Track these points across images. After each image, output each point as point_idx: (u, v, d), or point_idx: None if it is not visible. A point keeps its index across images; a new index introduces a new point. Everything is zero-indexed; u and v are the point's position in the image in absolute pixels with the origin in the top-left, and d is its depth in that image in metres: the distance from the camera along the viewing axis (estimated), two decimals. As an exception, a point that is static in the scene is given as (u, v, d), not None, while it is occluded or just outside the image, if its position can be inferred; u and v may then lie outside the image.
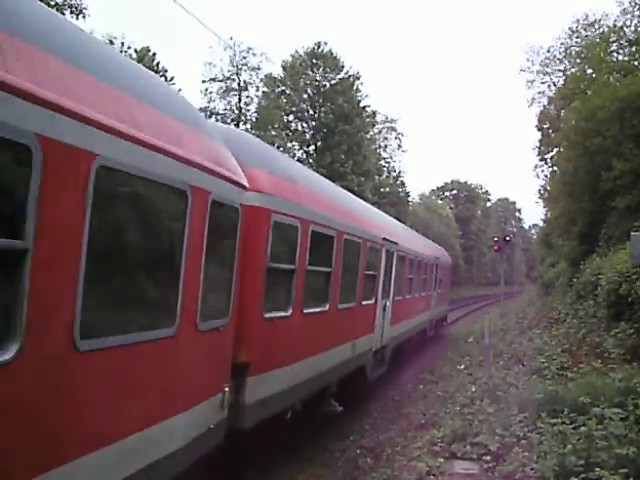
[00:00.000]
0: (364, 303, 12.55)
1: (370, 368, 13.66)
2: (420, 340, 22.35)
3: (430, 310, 23.89)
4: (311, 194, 9.46)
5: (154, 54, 42.13)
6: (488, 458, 8.14)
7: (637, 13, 31.34)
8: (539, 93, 42.29)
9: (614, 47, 31.68)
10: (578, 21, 38.94)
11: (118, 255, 4.58)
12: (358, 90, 51.90)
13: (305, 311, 8.82)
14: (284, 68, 50.31)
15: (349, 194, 14.90)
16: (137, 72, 5.64)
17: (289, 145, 48.27)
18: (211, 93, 47.72)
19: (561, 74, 40.19)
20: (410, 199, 67.61)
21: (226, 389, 6.45)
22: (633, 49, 29.57)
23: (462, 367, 17.74)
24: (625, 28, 31.82)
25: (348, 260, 11.10)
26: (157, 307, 5.20)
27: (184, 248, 5.23)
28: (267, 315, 7.54)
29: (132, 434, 4.61)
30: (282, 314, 8.08)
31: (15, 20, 3.66)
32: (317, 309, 9.55)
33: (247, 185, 6.72)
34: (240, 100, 48.11)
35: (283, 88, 50.22)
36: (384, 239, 14.18)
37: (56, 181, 3.70)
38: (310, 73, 50.51)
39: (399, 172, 63.22)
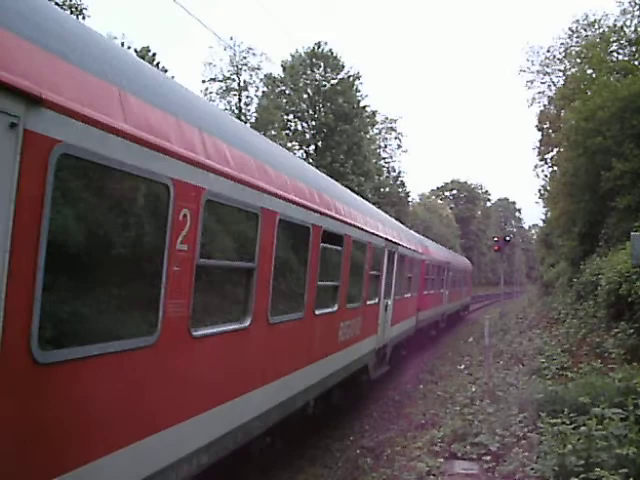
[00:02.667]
0: (441, 291, 27.79)
1: (440, 322, 28.23)
2: (456, 317, 36.46)
3: (462, 299, 38.61)
4: (432, 249, 25.28)
5: (154, 54, 42.22)
6: (488, 458, 8.14)
7: (637, 13, 31.43)
8: (539, 93, 42.45)
9: (614, 47, 31.73)
10: (578, 21, 39.14)
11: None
12: (358, 90, 51.93)
13: (426, 292, 22.85)
14: (284, 68, 50.34)
15: (440, 246, 33.55)
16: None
17: (289, 145, 48.26)
18: (211, 93, 47.87)
19: (561, 74, 40.33)
20: (410, 199, 67.68)
21: (415, 314, 20.23)
22: (633, 49, 29.59)
23: (462, 367, 17.76)
24: (625, 28, 31.92)
25: (437, 274, 26.26)
26: (414, 286, 19.61)
27: (420, 275, 21.13)
28: (425, 292, 22.37)
29: (401, 322, 17.18)
30: (428, 292, 23.20)
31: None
32: (432, 291, 24.62)
33: (423, 252, 21.50)
34: (240, 100, 48.16)
35: (283, 88, 50.24)
36: (447, 262, 29.87)
37: None
38: (310, 73, 50.51)
39: (399, 172, 63.31)
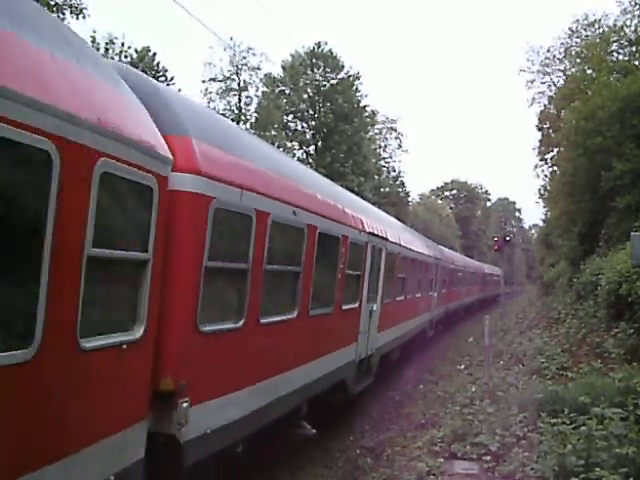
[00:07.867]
0: (486, 286, 52.95)
1: (485, 300, 52.03)
2: (493, 300, 54.68)
3: (496, 291, 54.58)
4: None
5: (154, 54, 42.14)
6: (488, 458, 8.14)
7: (637, 13, 31.40)
8: (539, 93, 42.46)
9: (614, 47, 31.76)
10: (578, 21, 39.12)
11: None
12: (358, 90, 51.94)
13: (483, 286, 51.73)
14: (284, 68, 50.32)
15: (490, 265, 64.98)
16: None
17: (289, 145, 48.26)
18: (211, 93, 47.86)
19: (561, 74, 40.33)
20: (410, 199, 67.78)
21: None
22: (633, 49, 29.62)
23: (462, 367, 17.77)
24: (625, 28, 31.91)
25: (488, 278, 54.11)
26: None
27: (479, 279, 48.70)
28: (483, 286, 51.32)
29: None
30: (485, 286, 53.26)
31: None
32: (486, 286, 53.77)
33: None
34: (240, 100, 48.15)
35: (283, 88, 50.23)
36: (490, 273, 56.64)
37: None
38: (310, 73, 50.52)
39: (399, 172, 63.37)
